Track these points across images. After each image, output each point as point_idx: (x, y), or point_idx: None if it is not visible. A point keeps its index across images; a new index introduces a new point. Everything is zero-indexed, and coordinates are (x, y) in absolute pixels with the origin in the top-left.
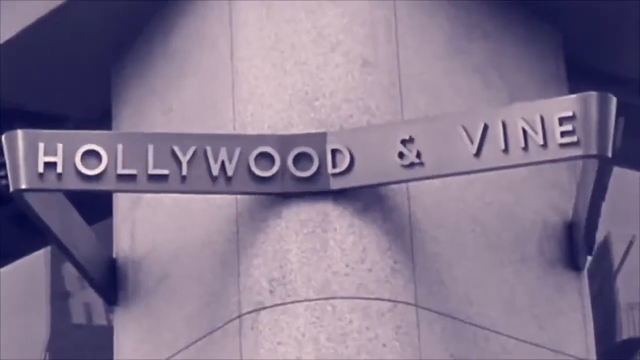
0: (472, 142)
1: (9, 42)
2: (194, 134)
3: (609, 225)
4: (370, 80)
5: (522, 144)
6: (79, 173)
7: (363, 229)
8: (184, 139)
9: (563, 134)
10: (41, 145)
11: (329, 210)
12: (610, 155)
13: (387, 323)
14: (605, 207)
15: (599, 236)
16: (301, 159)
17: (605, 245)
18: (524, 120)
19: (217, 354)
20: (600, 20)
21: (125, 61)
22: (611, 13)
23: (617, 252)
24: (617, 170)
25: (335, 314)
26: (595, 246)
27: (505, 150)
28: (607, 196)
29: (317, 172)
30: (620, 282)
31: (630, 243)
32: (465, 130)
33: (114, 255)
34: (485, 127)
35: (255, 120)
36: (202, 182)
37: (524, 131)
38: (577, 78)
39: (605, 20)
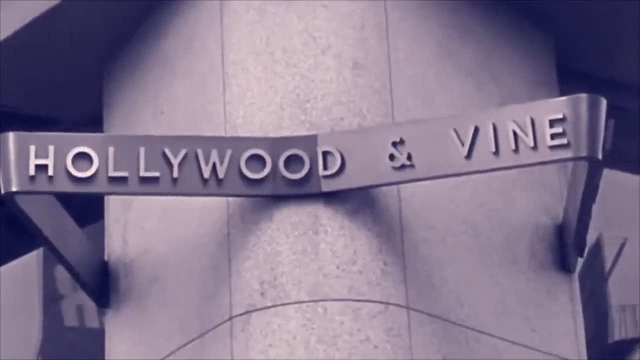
0: (462, 144)
1: (0, 45)
2: (185, 137)
3: (601, 227)
4: (361, 82)
5: (513, 146)
6: (70, 175)
7: (354, 231)
8: (175, 141)
9: (553, 136)
10: (32, 148)
11: (320, 212)
12: (600, 157)
13: (378, 325)
14: (597, 209)
15: (591, 238)
16: (292, 162)
17: (597, 247)
18: (515, 122)
19: (209, 356)
20: (591, 23)
21: (117, 63)
22: (603, 16)
23: (609, 254)
24: (609, 173)
25: (326, 316)
26: (587, 248)
27: (496, 152)
28: (600, 198)
29: (308, 175)
30: (612, 284)
31: (622, 245)
32: (456, 133)
33: (106, 258)
34: (476, 130)
35: (247, 122)
36: (193, 185)
37: (515, 133)
38: (568, 81)
39: (597, 23)
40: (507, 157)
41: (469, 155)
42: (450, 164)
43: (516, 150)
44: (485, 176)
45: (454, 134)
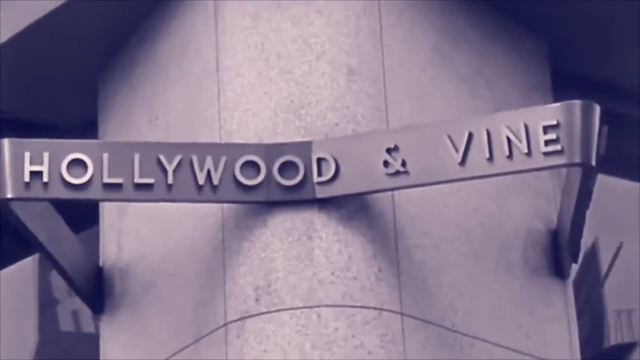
0: (457, 150)
1: None
2: (180, 143)
3: (597, 232)
4: (356, 88)
5: (507, 153)
6: (65, 182)
7: (348, 237)
8: (170, 147)
9: (547, 142)
10: (27, 154)
11: (315, 218)
12: (593, 163)
13: (372, 331)
14: (593, 214)
15: (587, 243)
16: (287, 168)
17: (593, 251)
18: (509, 128)
19: None
20: (586, 27)
21: (112, 70)
22: (598, 20)
23: (605, 258)
24: (605, 178)
25: (320, 322)
26: (583, 253)
27: (490, 158)
28: (596, 203)
29: (303, 181)
30: (608, 289)
31: (618, 249)
32: (450, 139)
33: (101, 264)
34: (470, 136)
35: (241, 128)
36: (188, 191)
37: (509, 139)
38: (563, 86)
39: (592, 27)
40: (501, 163)
41: (463, 162)
42: (445, 170)
43: (510, 156)
44: (479, 182)
45: (448, 140)
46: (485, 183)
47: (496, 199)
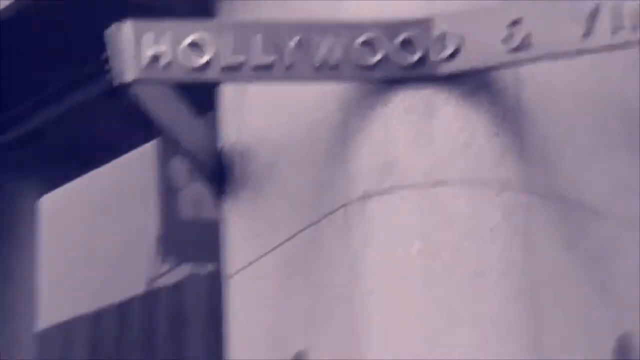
0: (581, 22)
1: None
2: (298, 23)
3: None
4: None
5: (633, 24)
6: (184, 64)
7: (470, 113)
8: (288, 27)
9: None
10: (147, 37)
11: (435, 96)
12: None
13: (494, 208)
14: None
15: None
16: (406, 45)
17: None
18: None
19: (324, 242)
20: None
21: None
22: None
23: None
24: None
25: (441, 200)
26: None
27: (615, 30)
28: None
29: (423, 58)
30: None
31: None
32: (575, 11)
33: (222, 146)
34: (596, 7)
35: (360, 6)
36: (306, 71)
37: (634, 10)
38: None
39: None
40: (626, 34)
41: (587, 34)
42: (569, 43)
43: (636, 27)
44: (604, 55)
45: (572, 13)
46: (611, 56)
47: (622, 72)
